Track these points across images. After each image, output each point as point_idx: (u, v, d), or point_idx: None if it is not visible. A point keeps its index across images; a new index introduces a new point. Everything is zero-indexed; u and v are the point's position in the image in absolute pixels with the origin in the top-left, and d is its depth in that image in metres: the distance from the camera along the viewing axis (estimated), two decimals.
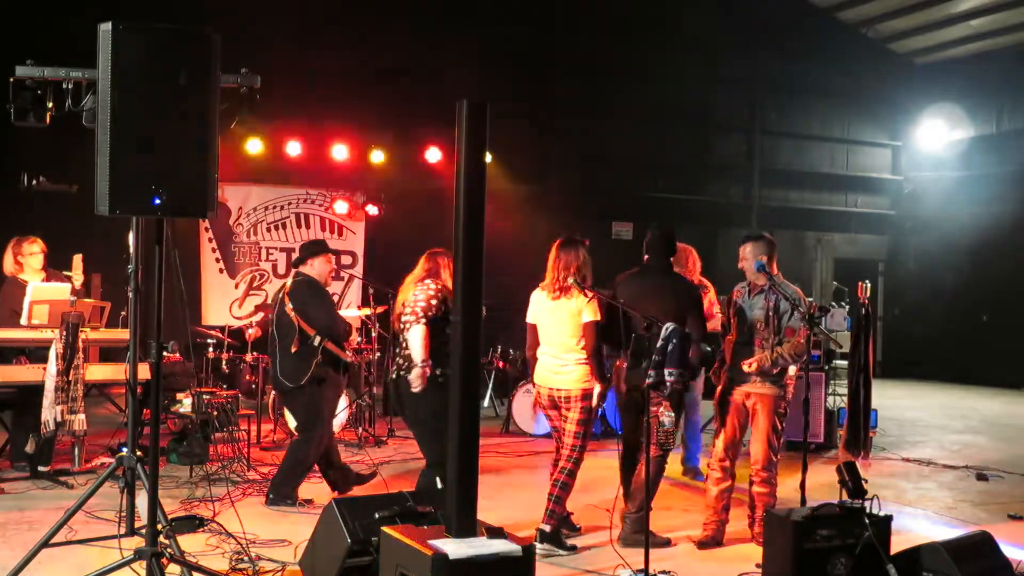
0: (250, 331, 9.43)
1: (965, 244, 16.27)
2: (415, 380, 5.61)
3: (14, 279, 7.28)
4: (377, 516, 4.33)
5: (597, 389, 5.51)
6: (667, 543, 5.61)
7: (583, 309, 5.47)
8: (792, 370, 5.64)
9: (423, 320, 5.63)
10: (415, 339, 5.62)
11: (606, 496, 5.87)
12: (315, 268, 6.59)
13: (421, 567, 3.57)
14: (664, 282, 5.74)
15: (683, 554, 5.52)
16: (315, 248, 6.72)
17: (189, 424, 7.53)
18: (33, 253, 7.28)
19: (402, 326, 5.77)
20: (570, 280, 5.41)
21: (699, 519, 6.07)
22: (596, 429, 9.05)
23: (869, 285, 8.33)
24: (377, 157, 11.95)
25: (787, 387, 5.62)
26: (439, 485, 5.34)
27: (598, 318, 5.48)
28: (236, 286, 12.03)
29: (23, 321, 6.91)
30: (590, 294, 5.44)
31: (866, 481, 4.82)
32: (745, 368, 5.57)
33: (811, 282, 16.22)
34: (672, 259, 5.98)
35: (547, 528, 5.41)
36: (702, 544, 5.65)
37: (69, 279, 7.09)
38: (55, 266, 7.42)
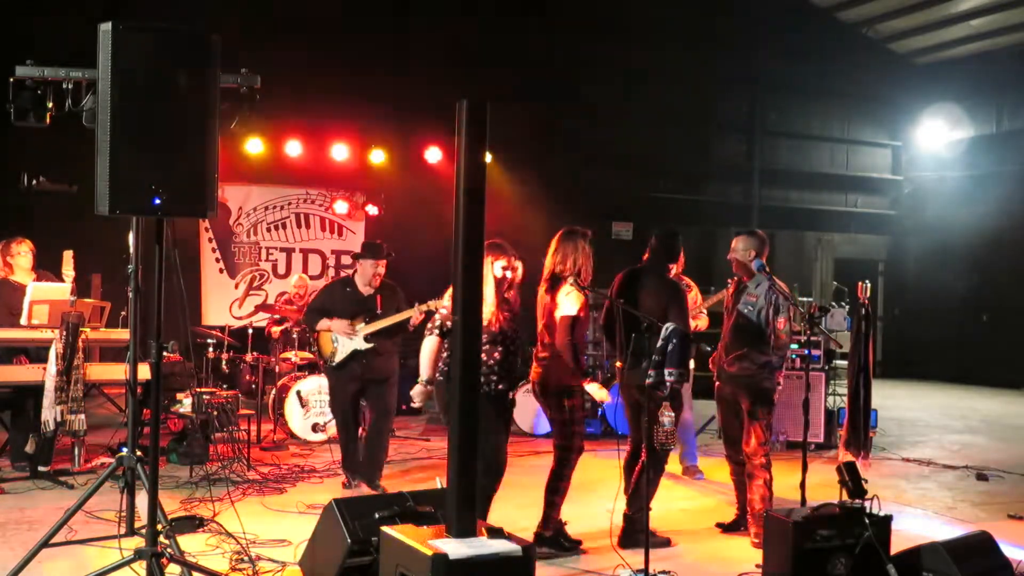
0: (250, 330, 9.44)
1: (965, 244, 16.28)
2: (414, 395, 5.44)
3: (5, 280, 7.28)
4: (377, 516, 4.33)
5: (592, 388, 5.35)
6: (667, 543, 5.61)
7: (562, 302, 5.33)
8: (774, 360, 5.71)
9: (436, 331, 5.37)
10: (423, 351, 5.40)
11: (606, 496, 5.87)
12: (358, 269, 7.07)
13: (421, 567, 3.57)
14: (656, 284, 5.74)
15: (683, 554, 5.52)
16: (359, 253, 7.15)
17: (189, 424, 7.53)
18: (21, 254, 7.28)
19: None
20: (570, 280, 5.35)
21: (698, 518, 6.09)
22: (596, 429, 9.06)
23: (869, 285, 8.32)
24: (377, 157, 11.95)
25: (775, 377, 5.67)
26: (440, 485, 5.33)
27: (573, 313, 5.29)
28: (236, 286, 12.04)
29: (23, 321, 6.90)
30: (589, 293, 5.41)
31: (866, 481, 4.82)
32: (726, 367, 5.66)
33: (811, 282, 16.23)
34: (674, 264, 5.94)
35: (546, 533, 5.40)
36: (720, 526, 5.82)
37: (60, 279, 7.10)
38: (53, 266, 7.42)
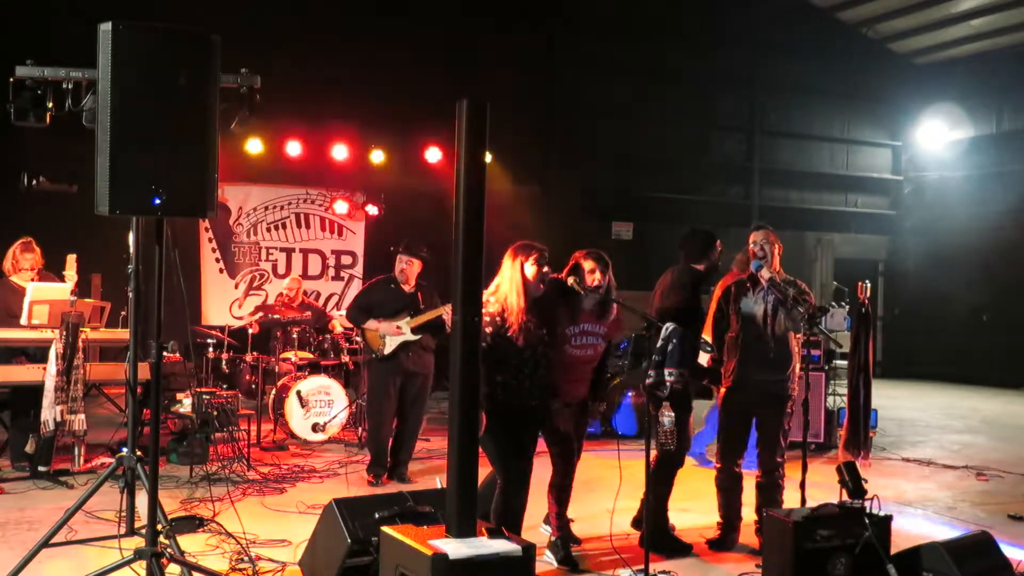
0: (250, 331, 9.45)
1: (965, 244, 16.28)
2: None
3: (6, 281, 7.27)
4: (377, 516, 4.33)
5: None
6: (688, 549, 5.55)
7: None
8: (797, 368, 5.62)
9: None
10: None
11: (606, 496, 5.87)
12: (396, 265, 7.21)
13: (421, 567, 3.57)
14: (666, 280, 5.75)
15: (682, 554, 5.51)
16: (397, 249, 7.23)
17: (189, 424, 7.53)
18: (27, 265, 7.27)
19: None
20: (570, 279, 5.27)
21: (697, 516, 6.07)
22: (596, 429, 9.06)
23: (869, 285, 8.33)
24: (377, 157, 11.95)
25: (793, 385, 5.60)
26: (440, 485, 5.32)
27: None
28: (236, 286, 12.05)
29: (23, 321, 6.90)
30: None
31: (866, 481, 4.81)
32: (747, 376, 5.52)
33: (811, 282, 16.21)
34: (701, 263, 5.77)
35: (552, 537, 5.40)
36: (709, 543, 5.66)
37: (61, 280, 7.09)
38: (53, 266, 7.41)
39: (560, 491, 5.35)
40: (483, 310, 4.82)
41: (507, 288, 4.96)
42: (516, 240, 5.17)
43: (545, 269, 5.04)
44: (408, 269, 7.16)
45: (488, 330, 4.85)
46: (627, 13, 14.59)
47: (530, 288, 4.99)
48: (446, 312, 6.86)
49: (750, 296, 5.60)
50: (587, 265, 5.13)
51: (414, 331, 7.09)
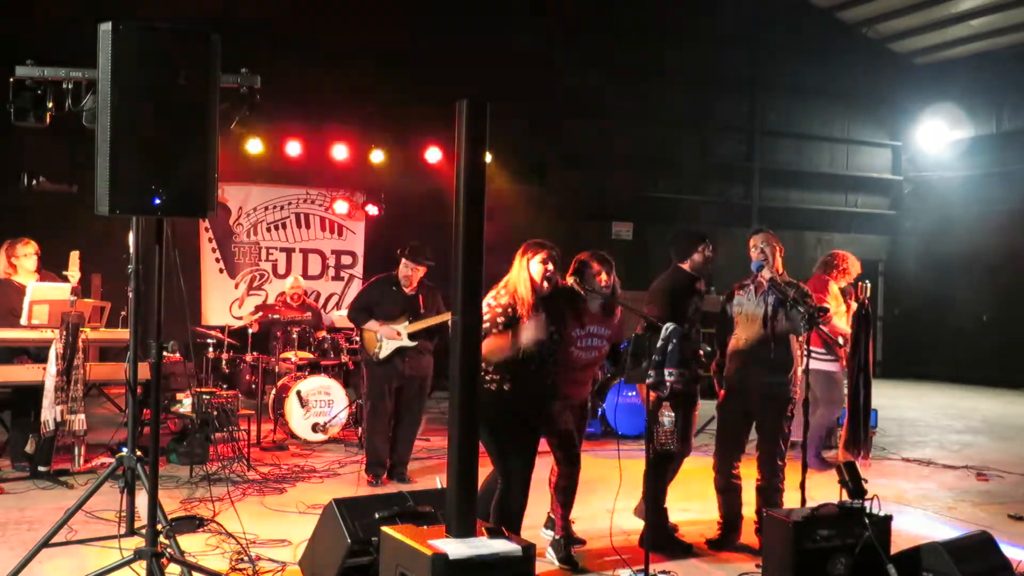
0: (250, 331, 9.45)
1: (965, 244, 16.29)
2: None
3: (8, 281, 7.26)
4: (377, 516, 4.33)
5: None
6: (689, 549, 5.54)
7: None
8: (800, 371, 5.60)
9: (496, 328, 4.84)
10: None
11: (606, 496, 5.87)
12: (400, 269, 7.17)
13: (421, 567, 3.57)
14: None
15: (683, 554, 5.51)
16: (402, 252, 7.17)
17: (189, 424, 7.53)
18: (27, 255, 7.25)
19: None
20: (571, 280, 5.28)
21: (697, 516, 6.07)
22: (596, 429, 9.07)
23: (869, 285, 8.31)
24: (377, 157, 11.96)
25: (794, 388, 5.58)
26: (440, 485, 5.31)
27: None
28: (236, 286, 12.05)
29: (23, 321, 6.90)
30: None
31: (866, 481, 4.81)
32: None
33: None
34: (685, 263, 5.77)
35: (556, 536, 5.40)
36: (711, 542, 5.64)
37: (64, 279, 7.08)
38: (54, 266, 7.40)
39: (565, 492, 5.36)
40: (496, 301, 4.92)
41: (515, 281, 5.01)
42: (517, 240, 5.19)
43: (551, 268, 5.05)
44: (412, 275, 7.14)
45: (500, 320, 4.87)
46: (627, 13, 14.59)
47: (536, 286, 5.00)
48: (449, 322, 6.72)
49: (751, 297, 5.61)
50: (594, 267, 5.18)
51: (411, 337, 7.04)
